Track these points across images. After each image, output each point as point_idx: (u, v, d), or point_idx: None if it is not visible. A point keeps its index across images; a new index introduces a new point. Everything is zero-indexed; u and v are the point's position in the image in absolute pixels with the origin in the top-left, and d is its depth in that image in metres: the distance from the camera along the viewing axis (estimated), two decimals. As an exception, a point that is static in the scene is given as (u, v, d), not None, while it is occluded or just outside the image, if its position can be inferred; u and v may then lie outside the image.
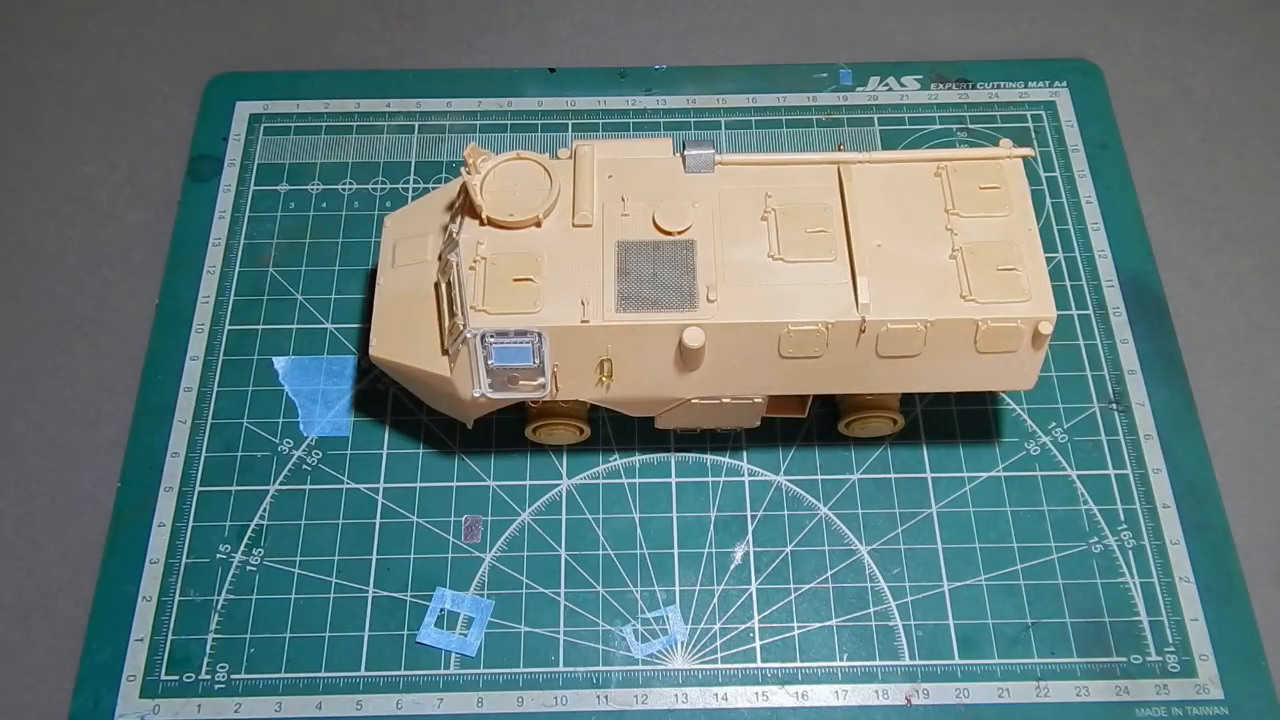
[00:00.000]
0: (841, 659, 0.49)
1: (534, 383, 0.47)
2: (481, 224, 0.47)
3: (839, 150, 0.49)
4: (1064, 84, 0.65)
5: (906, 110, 0.64)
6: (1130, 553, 0.51)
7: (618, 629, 0.49)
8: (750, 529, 0.52)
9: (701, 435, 0.54)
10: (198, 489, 0.53)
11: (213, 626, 0.49)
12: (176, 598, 0.50)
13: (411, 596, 0.50)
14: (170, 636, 0.49)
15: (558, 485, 0.53)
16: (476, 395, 0.47)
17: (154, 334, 0.57)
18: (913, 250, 0.46)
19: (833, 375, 0.47)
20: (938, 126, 0.63)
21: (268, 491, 0.53)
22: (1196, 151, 0.64)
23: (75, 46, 0.68)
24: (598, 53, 0.67)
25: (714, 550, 0.51)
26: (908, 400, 0.54)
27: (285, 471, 0.53)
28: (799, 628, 0.50)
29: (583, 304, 0.45)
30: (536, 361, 0.46)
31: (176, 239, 0.60)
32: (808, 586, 0.50)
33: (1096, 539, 0.51)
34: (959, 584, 0.50)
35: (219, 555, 0.51)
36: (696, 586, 0.50)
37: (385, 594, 0.50)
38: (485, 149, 0.49)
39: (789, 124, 0.63)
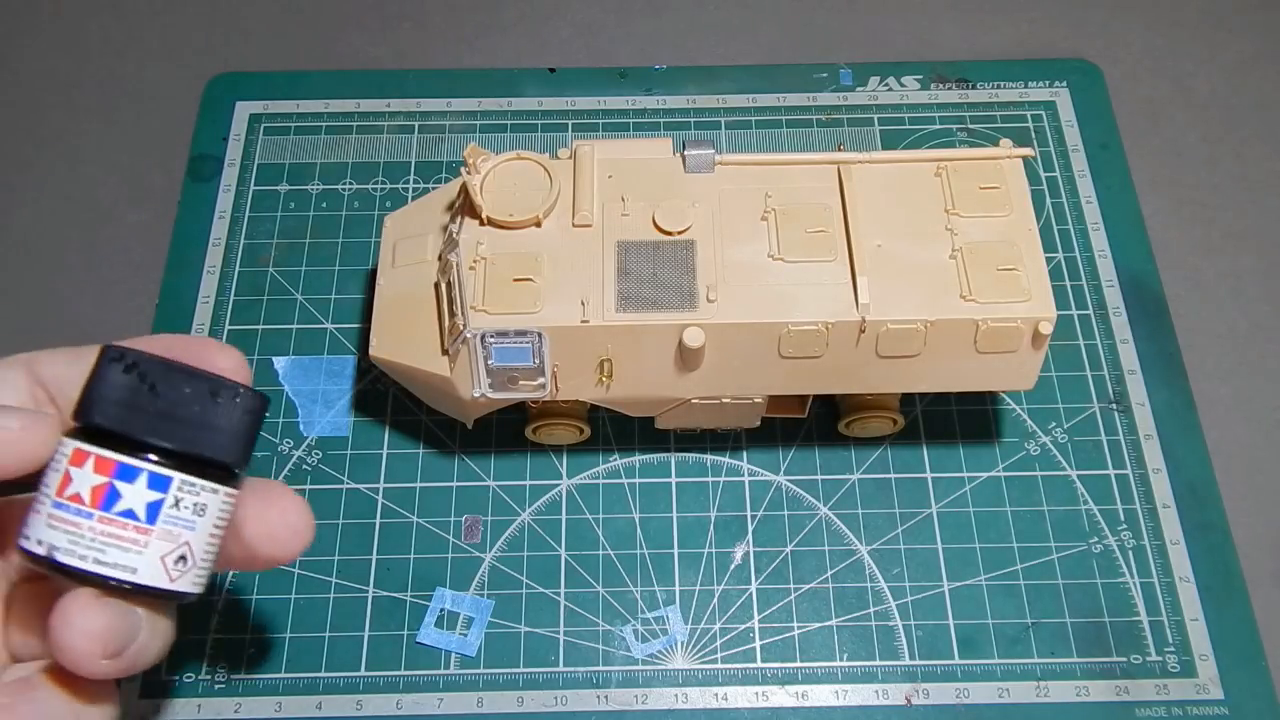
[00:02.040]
0: (841, 659, 0.49)
1: (534, 383, 0.47)
2: (481, 224, 0.47)
3: (839, 150, 0.49)
4: (1064, 84, 0.65)
5: (906, 110, 0.64)
6: (1130, 553, 0.51)
7: (618, 629, 0.49)
8: (750, 529, 0.52)
9: (701, 435, 0.54)
10: (198, 489, 0.53)
11: (213, 626, 0.49)
12: (176, 598, 0.50)
13: (411, 596, 0.50)
14: (170, 636, 0.49)
15: (558, 485, 0.53)
16: (476, 395, 0.47)
17: (154, 334, 0.57)
18: (913, 250, 0.46)
19: (833, 375, 0.47)
20: (938, 126, 0.63)
21: (268, 491, 0.53)
22: (1196, 151, 0.64)
23: (75, 46, 0.68)
24: (598, 53, 0.67)
25: (714, 550, 0.51)
26: (908, 400, 0.54)
27: (285, 471, 0.53)
28: (799, 628, 0.50)
29: (583, 304, 0.45)
30: (536, 361, 0.46)
31: (176, 239, 0.60)
32: (808, 586, 0.50)
33: (1096, 539, 0.51)
34: (959, 584, 0.50)
35: (219, 555, 0.51)
36: (696, 586, 0.50)
37: (385, 594, 0.50)
38: (485, 149, 0.49)
39: (789, 124, 0.63)
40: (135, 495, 0.30)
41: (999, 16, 0.69)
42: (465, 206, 0.48)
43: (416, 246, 0.50)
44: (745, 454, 0.54)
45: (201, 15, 0.69)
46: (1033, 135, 0.63)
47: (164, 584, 0.31)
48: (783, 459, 0.54)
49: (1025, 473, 0.53)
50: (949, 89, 0.65)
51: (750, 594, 0.50)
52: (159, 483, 0.31)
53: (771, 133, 0.63)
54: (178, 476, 0.31)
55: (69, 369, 0.33)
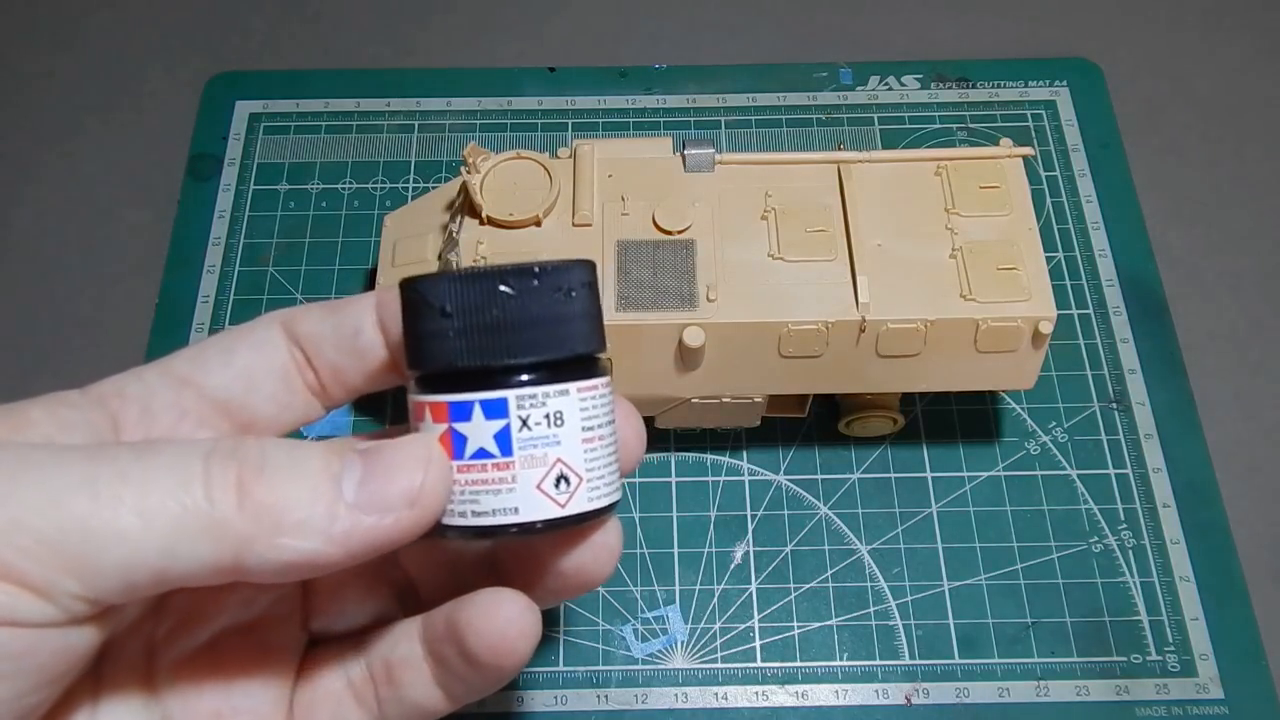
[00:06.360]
0: (841, 659, 0.49)
1: (534, 382, 0.46)
2: (481, 223, 0.47)
3: (839, 149, 0.49)
4: (1064, 83, 0.65)
5: (906, 110, 0.64)
6: (1130, 552, 0.51)
7: (618, 628, 0.49)
8: (750, 529, 0.52)
9: (701, 435, 0.54)
10: (197, 488, 0.52)
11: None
12: (176, 597, 0.50)
13: (411, 596, 0.50)
14: (170, 636, 0.49)
15: (558, 485, 0.53)
16: (476, 395, 0.47)
17: (154, 334, 0.57)
18: (913, 250, 0.46)
19: (833, 375, 0.47)
20: (938, 126, 0.63)
21: (267, 491, 0.52)
22: (1196, 151, 0.64)
23: (75, 46, 0.68)
24: (598, 52, 0.67)
25: (714, 550, 0.51)
26: (908, 400, 0.54)
27: (285, 471, 0.53)
28: (799, 627, 0.50)
29: (583, 303, 0.45)
30: (536, 361, 0.46)
31: (176, 239, 0.60)
32: (808, 586, 0.50)
33: (1096, 538, 0.51)
34: (959, 584, 0.50)
35: (219, 555, 0.51)
36: (696, 586, 0.50)
37: (385, 593, 0.50)
38: (485, 148, 0.49)
39: (789, 123, 0.63)
40: (479, 431, 0.27)
41: (999, 16, 0.69)
42: (465, 206, 0.48)
43: (416, 246, 0.50)
44: (745, 454, 0.54)
45: (201, 15, 0.69)
46: (1033, 135, 0.63)
47: (552, 513, 0.27)
48: (783, 459, 0.54)
49: (1025, 472, 0.53)
50: (949, 88, 0.65)
51: (750, 593, 0.50)
52: (494, 409, 0.27)
53: (771, 132, 0.63)
54: (511, 394, 0.27)
55: (323, 325, 0.31)
